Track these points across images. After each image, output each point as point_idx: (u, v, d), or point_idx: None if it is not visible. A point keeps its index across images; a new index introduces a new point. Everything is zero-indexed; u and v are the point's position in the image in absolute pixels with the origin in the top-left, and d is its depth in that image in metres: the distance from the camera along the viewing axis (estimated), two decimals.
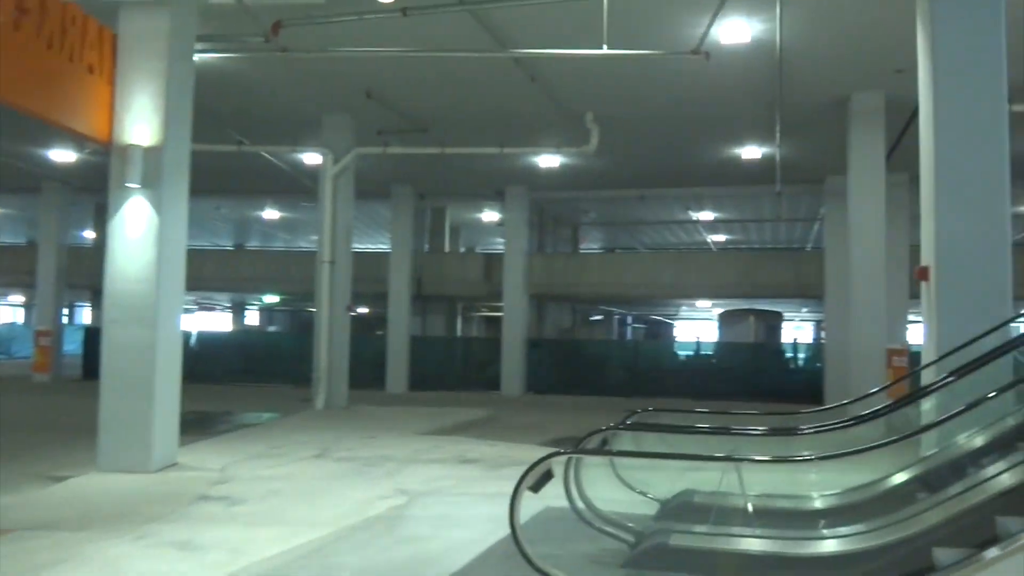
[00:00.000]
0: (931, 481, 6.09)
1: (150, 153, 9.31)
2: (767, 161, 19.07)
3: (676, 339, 41.55)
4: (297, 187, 21.42)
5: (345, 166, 16.70)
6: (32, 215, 26.67)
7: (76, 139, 16.13)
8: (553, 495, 5.49)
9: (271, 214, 28.48)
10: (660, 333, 44.30)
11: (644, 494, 6.99)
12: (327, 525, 6.81)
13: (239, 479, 8.88)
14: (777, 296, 26.34)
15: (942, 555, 4.41)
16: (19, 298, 43.24)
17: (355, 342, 17.79)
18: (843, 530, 5.51)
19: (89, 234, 29.52)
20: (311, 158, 18.10)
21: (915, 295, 20.28)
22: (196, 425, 12.75)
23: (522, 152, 18.10)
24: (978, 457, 5.83)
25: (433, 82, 14.54)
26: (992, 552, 3.78)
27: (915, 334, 27.17)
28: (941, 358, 6.64)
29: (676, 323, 45.47)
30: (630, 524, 6.23)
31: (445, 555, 5.96)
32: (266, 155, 18.66)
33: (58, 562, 5.61)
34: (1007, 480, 4.74)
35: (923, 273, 8.05)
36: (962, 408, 4.99)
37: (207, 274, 25.37)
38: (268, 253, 33.85)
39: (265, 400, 18.67)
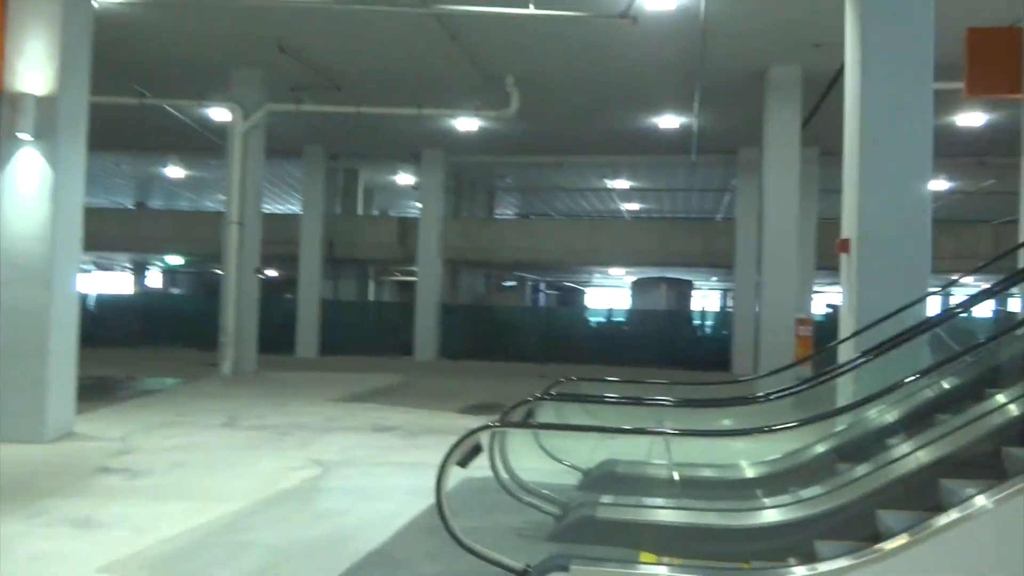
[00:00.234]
0: (848, 451, 6.20)
1: (44, 103, 8.73)
2: (684, 131, 19.20)
3: (589, 306, 41.85)
4: (204, 144, 20.52)
5: (255, 123, 16.11)
6: None
7: None
8: (474, 465, 5.32)
9: (176, 172, 27.34)
10: (573, 300, 44.60)
11: (565, 463, 6.91)
12: (238, 499, 6.50)
13: (142, 449, 8.46)
14: (689, 265, 26.75)
15: (888, 519, 4.43)
16: None
17: (264, 305, 17.36)
18: (775, 500, 5.52)
19: None
20: (219, 114, 17.33)
21: (821, 266, 21.01)
22: (95, 391, 12.21)
23: (440, 114, 17.73)
24: (894, 431, 5.93)
25: (350, 37, 14.04)
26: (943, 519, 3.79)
27: (818, 304, 28.01)
28: (868, 328, 6.72)
29: (589, 290, 45.85)
30: (555, 496, 6.12)
31: (364, 530, 5.74)
32: (170, 109, 17.76)
33: None
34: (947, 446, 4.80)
35: (844, 245, 8.15)
36: (882, 389, 4.99)
37: (107, 233, 24.28)
38: (172, 213, 32.81)
39: (169, 365, 18.04)
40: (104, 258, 34.89)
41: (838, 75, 13.52)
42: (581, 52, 14.42)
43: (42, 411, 8.60)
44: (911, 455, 5.17)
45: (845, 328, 7.92)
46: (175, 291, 37.01)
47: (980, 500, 3.74)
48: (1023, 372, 5.52)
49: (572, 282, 42.72)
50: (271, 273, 24.97)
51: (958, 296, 23.01)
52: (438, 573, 4.90)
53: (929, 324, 6.11)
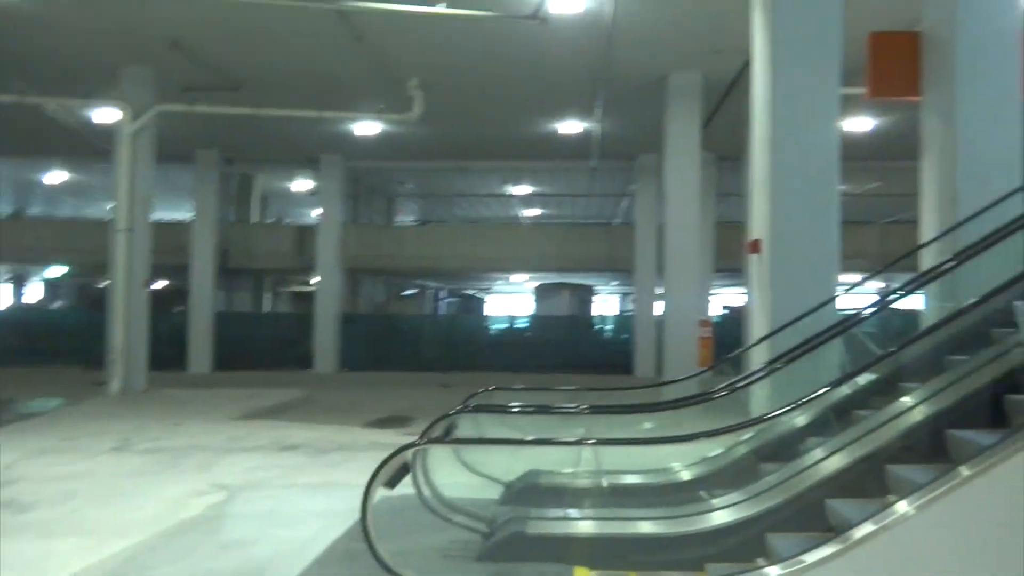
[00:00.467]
0: (766, 452, 6.21)
1: None
2: (585, 136, 19.30)
3: (491, 313, 41.80)
4: (88, 147, 19.40)
5: (144, 124, 15.34)
6: None
7: None
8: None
9: (57, 176, 25.90)
10: (475, 307, 44.44)
11: (484, 476, 6.71)
12: (137, 531, 6.01)
13: (26, 479, 7.82)
14: (590, 270, 27.00)
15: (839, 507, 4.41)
16: None
17: (154, 319, 16.55)
18: (707, 504, 5.44)
19: None
20: (105, 114, 16.35)
21: (719, 268, 21.45)
22: None
23: (341, 117, 17.29)
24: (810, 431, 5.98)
25: (247, 35, 13.57)
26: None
27: (715, 306, 28.64)
28: (785, 327, 6.75)
29: (490, 297, 45.80)
30: (479, 512, 5.90)
31: (277, 560, 5.37)
32: (52, 108, 16.68)
33: None
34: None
35: (755, 246, 8.21)
36: (803, 399, 4.95)
37: None
38: (53, 221, 31.00)
39: (52, 385, 16.98)
40: None
41: (736, 80, 13.82)
42: (488, 54, 14.30)
43: None
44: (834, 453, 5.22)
45: (757, 328, 7.97)
46: (57, 304, 35.16)
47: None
48: (931, 368, 5.63)
49: (474, 289, 42.59)
50: (160, 284, 23.92)
51: (863, 296, 23.96)
52: None
53: (845, 326, 6.17)
